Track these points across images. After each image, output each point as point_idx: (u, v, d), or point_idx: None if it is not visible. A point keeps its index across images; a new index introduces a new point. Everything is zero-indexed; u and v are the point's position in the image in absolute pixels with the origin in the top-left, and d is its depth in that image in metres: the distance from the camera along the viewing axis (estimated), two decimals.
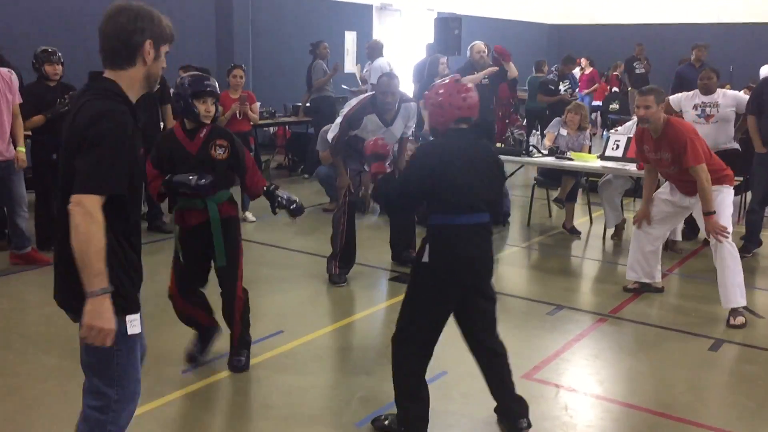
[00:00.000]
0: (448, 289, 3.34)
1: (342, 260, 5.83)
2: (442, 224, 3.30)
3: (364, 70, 10.76)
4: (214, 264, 4.10)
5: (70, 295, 2.38)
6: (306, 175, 10.34)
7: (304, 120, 10.93)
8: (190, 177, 3.86)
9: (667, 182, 5.50)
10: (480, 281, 3.46)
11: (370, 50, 10.41)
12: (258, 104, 8.36)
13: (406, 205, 3.59)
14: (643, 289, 5.64)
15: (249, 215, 7.76)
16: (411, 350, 3.40)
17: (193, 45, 11.20)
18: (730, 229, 5.05)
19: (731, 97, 6.92)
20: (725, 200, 5.14)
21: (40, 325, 4.81)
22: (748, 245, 6.72)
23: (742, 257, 6.63)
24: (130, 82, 2.41)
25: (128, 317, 2.39)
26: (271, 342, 4.59)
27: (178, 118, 4.14)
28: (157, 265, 6.26)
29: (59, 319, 4.83)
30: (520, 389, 4.00)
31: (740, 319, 5.00)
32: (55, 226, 2.48)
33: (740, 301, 5.02)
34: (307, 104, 10.66)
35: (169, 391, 3.90)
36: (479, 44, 9.22)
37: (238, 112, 7.47)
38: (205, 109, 3.93)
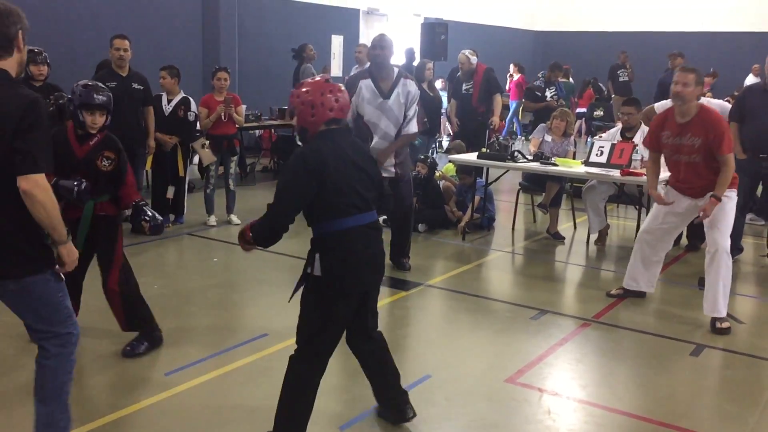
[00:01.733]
0: (348, 297, 3.24)
1: None
2: (332, 231, 3.16)
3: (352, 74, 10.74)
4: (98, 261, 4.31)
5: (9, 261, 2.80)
6: None
7: (290, 123, 10.91)
8: (75, 185, 3.96)
9: (669, 193, 5.32)
10: (376, 282, 3.42)
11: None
12: (243, 107, 8.35)
13: (287, 222, 3.19)
14: (626, 295, 5.67)
15: (234, 218, 7.73)
16: (312, 366, 3.28)
17: (179, 47, 11.15)
18: (728, 239, 5.05)
19: (715, 106, 6.98)
20: (733, 208, 5.10)
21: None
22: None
23: None
24: (12, 69, 2.84)
25: (57, 267, 2.93)
26: (255, 345, 4.58)
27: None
28: (140, 266, 6.23)
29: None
30: (503, 393, 4.03)
31: (726, 323, 5.04)
32: None
33: (724, 311, 5.07)
34: None
35: (151, 394, 3.88)
36: (460, 56, 9.29)
37: (222, 114, 7.45)
38: (92, 120, 4.08)
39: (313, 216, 3.21)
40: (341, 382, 4.16)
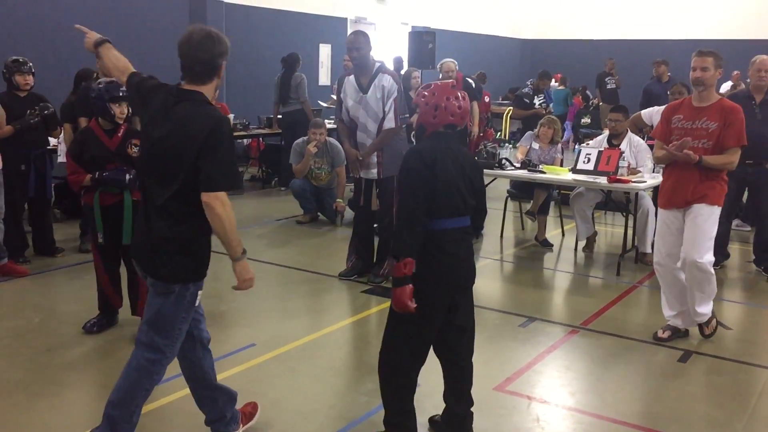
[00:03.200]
0: (439, 297, 3.29)
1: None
2: (432, 229, 3.22)
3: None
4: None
5: (174, 266, 3.03)
6: (282, 188, 10.28)
7: (277, 132, 10.90)
8: (125, 172, 4.58)
9: (661, 215, 5.02)
10: (468, 284, 3.43)
11: None
12: (231, 116, 8.33)
13: (421, 220, 3.19)
14: (674, 336, 5.08)
15: None
16: (404, 364, 3.35)
17: (166, 57, 11.09)
18: (704, 251, 4.78)
19: None
20: (713, 222, 4.80)
21: (6, 339, 4.73)
22: (716, 257, 6.81)
23: None
24: (209, 92, 3.08)
25: (200, 291, 3.11)
26: (242, 355, 4.56)
27: (93, 118, 4.78)
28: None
29: (28, 333, 4.77)
30: (492, 401, 4.03)
31: (712, 325, 4.99)
32: (150, 216, 3.05)
33: (705, 316, 4.95)
34: (279, 116, 10.60)
35: None
36: (448, 63, 9.28)
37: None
38: (120, 111, 4.65)
39: None
40: (329, 393, 4.14)
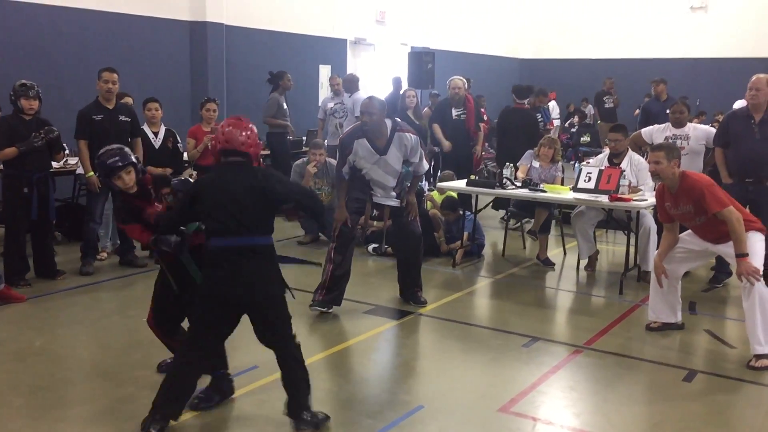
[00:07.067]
0: (216, 305, 3.72)
1: (327, 291, 5.83)
2: (208, 247, 3.70)
3: (334, 103, 10.74)
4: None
5: None
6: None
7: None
8: (172, 240, 3.94)
9: (688, 235, 5.34)
10: (244, 300, 3.73)
11: (348, 84, 10.47)
12: None
13: (169, 230, 3.90)
14: (665, 328, 5.50)
15: None
16: (193, 355, 3.78)
17: (167, 79, 11.17)
18: (761, 270, 4.88)
19: (702, 131, 7.07)
20: (756, 243, 4.97)
21: (7, 363, 4.71)
22: (718, 275, 6.82)
23: (712, 287, 6.75)
24: None
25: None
26: (246, 377, 4.53)
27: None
28: (130, 300, 6.18)
29: (28, 356, 4.74)
30: (496, 423, 4.01)
31: (764, 362, 4.84)
32: None
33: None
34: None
35: None
36: (456, 80, 9.32)
37: (209, 144, 7.43)
38: (124, 183, 4.05)
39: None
40: (333, 414, 4.11)
